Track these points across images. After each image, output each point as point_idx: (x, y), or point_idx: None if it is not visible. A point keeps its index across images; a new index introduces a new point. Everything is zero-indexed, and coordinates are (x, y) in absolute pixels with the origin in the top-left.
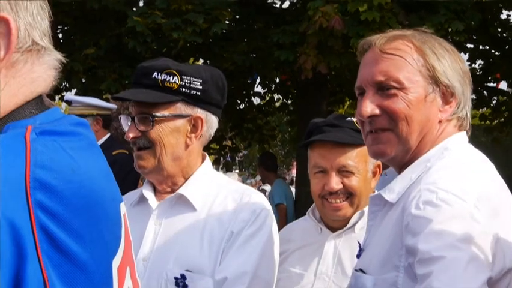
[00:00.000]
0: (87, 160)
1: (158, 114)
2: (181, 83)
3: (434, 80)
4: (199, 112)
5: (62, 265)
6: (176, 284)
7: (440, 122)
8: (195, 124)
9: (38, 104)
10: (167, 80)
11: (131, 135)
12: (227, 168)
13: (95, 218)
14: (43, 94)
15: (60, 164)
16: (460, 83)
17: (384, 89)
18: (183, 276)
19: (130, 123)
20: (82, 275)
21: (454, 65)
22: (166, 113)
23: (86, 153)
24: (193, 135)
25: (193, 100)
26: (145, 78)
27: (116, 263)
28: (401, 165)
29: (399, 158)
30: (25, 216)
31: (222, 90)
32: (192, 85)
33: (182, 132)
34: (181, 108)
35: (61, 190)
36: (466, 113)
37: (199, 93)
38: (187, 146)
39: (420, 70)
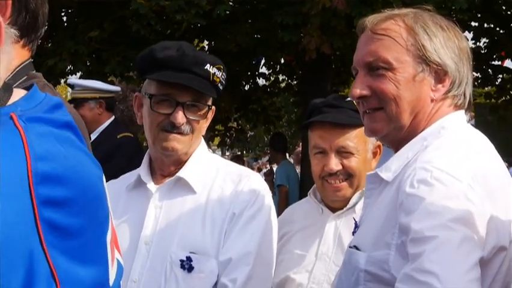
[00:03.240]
0: (69, 144)
1: (209, 104)
2: (221, 79)
3: (424, 59)
4: (212, 103)
5: (69, 252)
6: (182, 266)
7: (432, 100)
8: (208, 114)
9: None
10: (217, 74)
11: (180, 121)
12: (233, 149)
13: (92, 199)
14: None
15: (55, 153)
16: (454, 60)
17: (373, 69)
18: (189, 259)
19: (176, 108)
20: (86, 259)
21: (447, 43)
22: (209, 103)
23: (65, 135)
24: (206, 124)
25: (218, 94)
26: (196, 67)
27: (109, 238)
28: (397, 144)
29: (392, 136)
30: (30, 212)
31: None
32: (223, 81)
33: (205, 121)
34: (210, 100)
35: (61, 180)
36: (464, 91)
37: (222, 88)
38: (201, 134)
39: (410, 49)
